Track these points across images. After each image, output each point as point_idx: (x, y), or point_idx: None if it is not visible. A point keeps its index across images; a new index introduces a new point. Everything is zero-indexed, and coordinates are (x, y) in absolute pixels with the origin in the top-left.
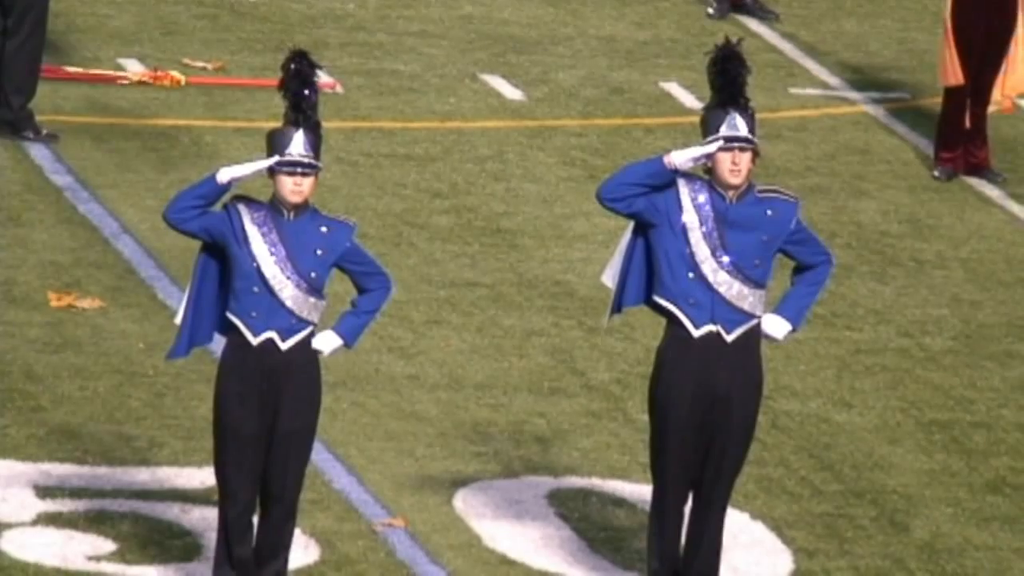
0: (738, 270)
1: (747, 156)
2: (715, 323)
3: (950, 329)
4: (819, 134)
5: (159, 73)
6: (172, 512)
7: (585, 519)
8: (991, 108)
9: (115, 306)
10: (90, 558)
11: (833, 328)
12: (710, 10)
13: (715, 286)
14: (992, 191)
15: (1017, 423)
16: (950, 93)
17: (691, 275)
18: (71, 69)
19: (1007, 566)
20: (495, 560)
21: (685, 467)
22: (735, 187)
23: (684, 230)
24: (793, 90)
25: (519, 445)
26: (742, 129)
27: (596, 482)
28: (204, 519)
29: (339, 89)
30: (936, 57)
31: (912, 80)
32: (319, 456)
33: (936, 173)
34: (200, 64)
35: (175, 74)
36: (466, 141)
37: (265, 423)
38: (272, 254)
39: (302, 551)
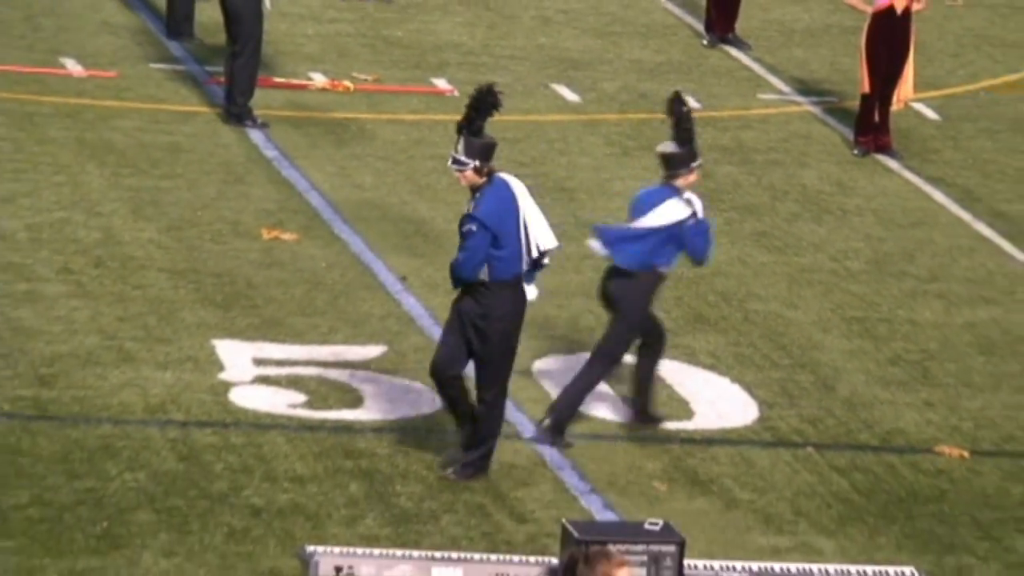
0: None
1: (461, 174)
2: None
3: (864, 256)
4: (777, 125)
5: (336, 82)
6: (344, 376)
7: (626, 384)
8: (894, 108)
9: (307, 238)
10: (289, 406)
11: (784, 255)
12: (704, 41)
13: None
14: (893, 164)
15: (909, 319)
16: (864, 98)
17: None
18: (277, 79)
19: (901, 414)
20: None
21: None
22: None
23: None
24: (760, 96)
25: (576, 329)
26: (458, 151)
27: (628, 356)
28: (366, 379)
29: (456, 93)
30: (855, 74)
31: (839, 89)
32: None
33: (855, 151)
34: (364, 76)
35: (347, 83)
36: (541, 129)
37: None
38: None
39: (425, 402)
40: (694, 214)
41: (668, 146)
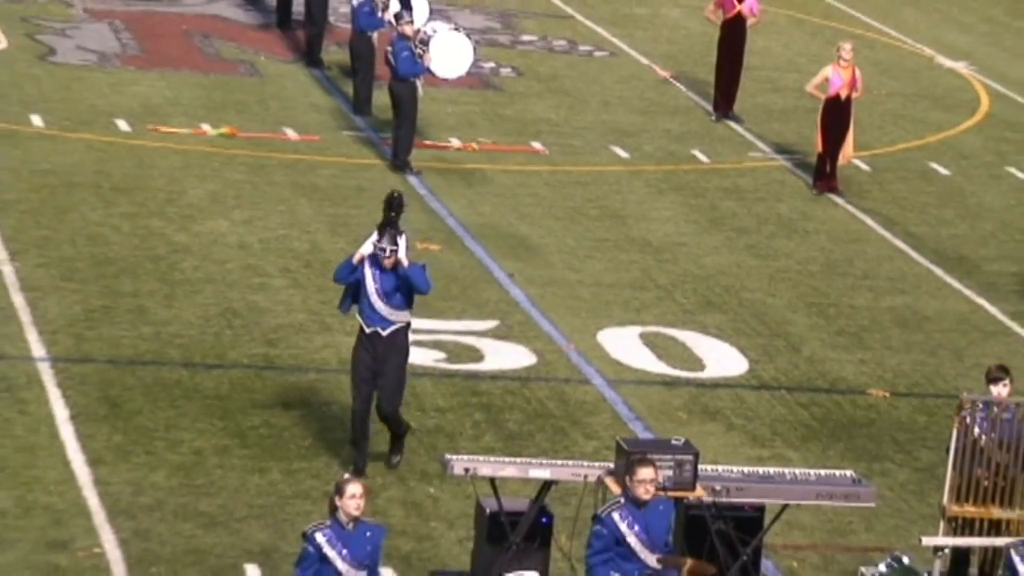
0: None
1: (388, 260)
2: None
3: (820, 260)
4: (761, 174)
5: (467, 144)
6: (471, 340)
7: (659, 347)
8: (839, 163)
9: (447, 248)
10: (434, 360)
11: (766, 260)
12: (712, 117)
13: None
14: (839, 200)
15: (849, 304)
16: (819, 155)
17: (364, 301)
18: (427, 142)
19: (844, 367)
20: (612, 361)
21: (365, 379)
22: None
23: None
24: (750, 154)
25: (627, 310)
26: (384, 242)
27: (661, 328)
28: (485, 343)
29: (547, 152)
30: (814, 139)
31: (803, 150)
32: (537, 315)
33: (814, 192)
34: (485, 140)
35: (474, 145)
36: (602, 176)
37: None
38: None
39: (526, 358)
40: None
41: None
